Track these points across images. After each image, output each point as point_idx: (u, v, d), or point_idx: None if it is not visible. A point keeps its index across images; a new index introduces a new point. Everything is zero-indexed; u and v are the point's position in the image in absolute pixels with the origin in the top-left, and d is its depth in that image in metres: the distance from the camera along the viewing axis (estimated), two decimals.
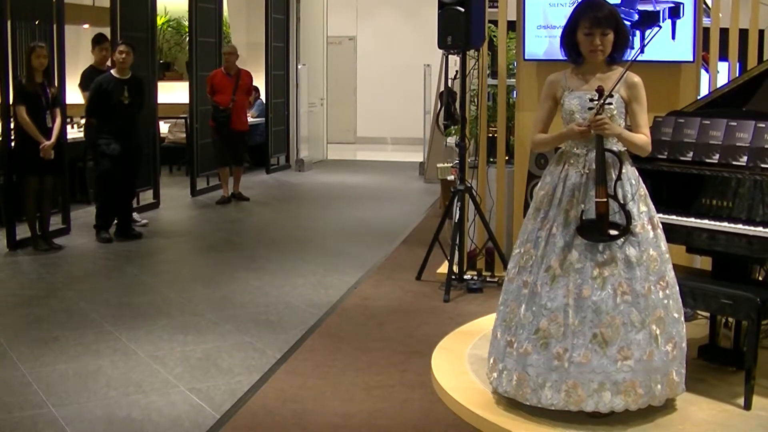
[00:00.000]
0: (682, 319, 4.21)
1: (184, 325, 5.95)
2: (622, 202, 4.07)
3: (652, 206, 4.21)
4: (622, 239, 4.04)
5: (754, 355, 4.23)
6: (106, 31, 9.94)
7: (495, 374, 4.29)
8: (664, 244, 4.17)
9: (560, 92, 4.26)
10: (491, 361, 4.35)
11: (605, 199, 4.04)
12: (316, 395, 4.65)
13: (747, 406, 4.25)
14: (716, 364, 4.75)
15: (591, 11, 4.11)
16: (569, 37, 4.21)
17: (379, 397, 4.63)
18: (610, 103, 4.08)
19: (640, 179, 4.21)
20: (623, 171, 4.13)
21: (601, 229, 4.03)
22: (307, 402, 4.55)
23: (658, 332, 4.05)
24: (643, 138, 4.18)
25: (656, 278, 4.08)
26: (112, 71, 8.78)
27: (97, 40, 9.74)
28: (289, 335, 5.73)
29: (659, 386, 4.06)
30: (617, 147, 4.16)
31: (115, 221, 8.87)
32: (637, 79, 4.18)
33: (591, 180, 4.10)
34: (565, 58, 4.30)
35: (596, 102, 4.04)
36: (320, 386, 4.78)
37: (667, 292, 4.12)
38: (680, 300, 4.21)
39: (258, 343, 5.57)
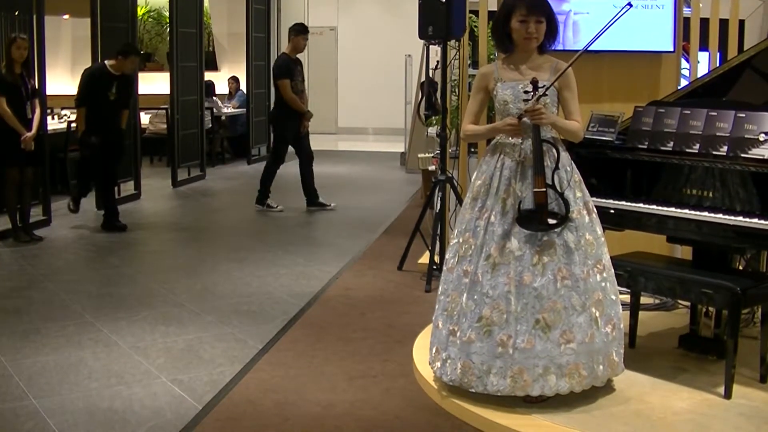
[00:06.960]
0: (619, 300, 4.29)
1: (166, 316, 5.93)
2: (560, 190, 4.11)
3: (587, 191, 4.27)
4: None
5: (734, 344, 4.26)
6: (86, 22, 9.90)
7: (438, 363, 4.32)
8: (599, 228, 4.25)
9: (492, 84, 4.31)
10: (434, 350, 4.38)
11: (543, 189, 4.08)
12: (297, 385, 4.65)
13: (727, 394, 4.27)
14: (697, 353, 4.78)
15: None
16: (502, 25, 4.25)
17: (360, 387, 4.64)
18: (546, 95, 4.12)
19: (574, 165, 4.27)
20: (560, 159, 4.18)
21: (540, 218, 4.08)
22: (289, 392, 4.55)
23: (597, 314, 4.12)
24: (575, 125, 4.26)
25: (593, 262, 4.15)
26: (107, 64, 8.78)
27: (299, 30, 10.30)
28: (271, 326, 5.73)
29: (601, 367, 4.14)
30: (551, 135, 4.24)
31: (103, 213, 8.88)
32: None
33: (527, 168, 4.16)
34: (499, 47, 4.38)
35: (532, 93, 4.09)
36: (302, 376, 4.79)
37: (605, 275, 4.19)
38: (616, 282, 4.29)
39: (240, 334, 5.56)
